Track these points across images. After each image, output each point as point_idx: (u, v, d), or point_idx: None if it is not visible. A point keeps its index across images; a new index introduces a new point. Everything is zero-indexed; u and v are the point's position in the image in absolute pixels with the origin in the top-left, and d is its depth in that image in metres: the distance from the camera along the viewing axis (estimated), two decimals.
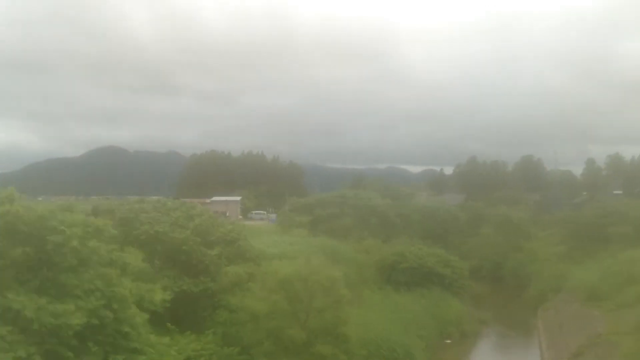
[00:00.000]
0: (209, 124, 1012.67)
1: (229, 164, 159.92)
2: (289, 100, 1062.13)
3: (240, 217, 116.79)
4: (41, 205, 20.02)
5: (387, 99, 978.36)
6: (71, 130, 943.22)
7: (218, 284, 26.98)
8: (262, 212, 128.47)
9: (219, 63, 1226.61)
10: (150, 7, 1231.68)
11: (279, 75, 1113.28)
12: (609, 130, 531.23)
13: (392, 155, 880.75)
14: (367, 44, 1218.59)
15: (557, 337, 34.82)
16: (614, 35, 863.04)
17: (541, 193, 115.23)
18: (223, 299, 26.74)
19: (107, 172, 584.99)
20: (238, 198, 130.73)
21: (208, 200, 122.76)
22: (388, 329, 30.82)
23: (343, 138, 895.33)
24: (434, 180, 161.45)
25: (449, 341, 38.84)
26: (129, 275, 20.18)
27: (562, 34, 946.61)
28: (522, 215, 74.86)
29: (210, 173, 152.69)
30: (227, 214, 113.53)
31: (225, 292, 26.72)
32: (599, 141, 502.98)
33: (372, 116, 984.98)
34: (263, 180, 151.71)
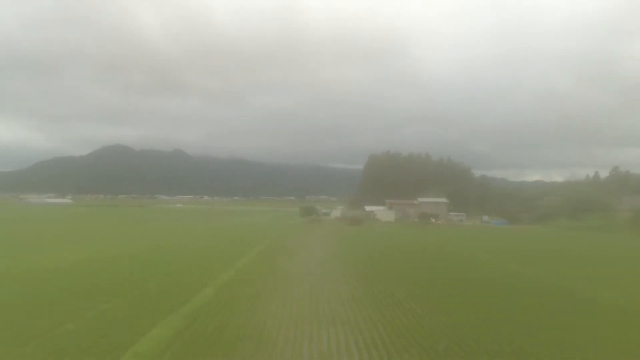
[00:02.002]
0: (214, 124, 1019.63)
1: (400, 165, 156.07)
2: (294, 101, 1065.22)
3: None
4: None
5: (393, 100, 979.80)
6: (78, 129, 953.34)
7: None
8: (462, 214, 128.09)
9: (226, 63, 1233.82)
10: (160, 9, 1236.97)
11: (286, 75, 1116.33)
12: (614, 132, 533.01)
13: None
14: (375, 45, 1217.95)
15: None
16: (619, 39, 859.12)
17: None
18: None
19: (114, 170, 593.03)
20: (444, 200, 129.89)
21: (415, 202, 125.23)
22: None
23: (347, 138, 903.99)
24: None
25: None
26: None
27: (567, 38, 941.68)
28: None
29: (387, 173, 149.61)
30: (434, 217, 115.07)
31: None
32: (603, 144, 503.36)
33: (377, 117, 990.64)
34: (430, 180, 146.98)
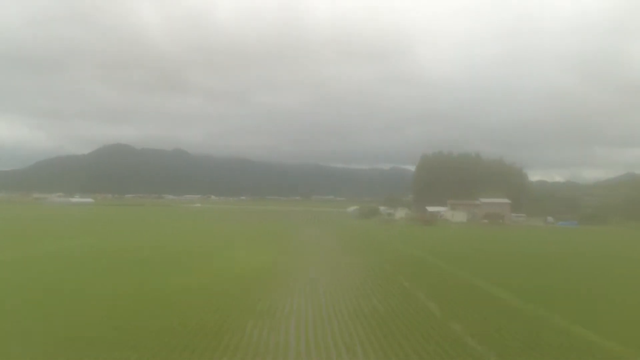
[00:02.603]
0: (215, 123, 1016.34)
1: (452, 165, 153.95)
2: (295, 100, 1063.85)
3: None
4: None
5: (395, 100, 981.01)
6: (80, 128, 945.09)
7: None
8: (521, 214, 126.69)
9: (228, 62, 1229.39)
10: (163, 7, 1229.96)
11: (288, 75, 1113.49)
12: (616, 132, 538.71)
13: (396, 156, 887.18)
14: (378, 44, 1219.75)
15: None
16: (621, 38, 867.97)
17: None
18: None
19: (115, 169, 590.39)
20: (507, 200, 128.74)
21: (477, 202, 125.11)
22: None
23: (348, 138, 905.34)
24: None
25: None
26: None
27: (570, 38, 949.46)
28: None
29: (440, 174, 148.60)
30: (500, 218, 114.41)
31: None
32: (605, 143, 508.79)
33: (378, 117, 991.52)
34: (482, 181, 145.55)
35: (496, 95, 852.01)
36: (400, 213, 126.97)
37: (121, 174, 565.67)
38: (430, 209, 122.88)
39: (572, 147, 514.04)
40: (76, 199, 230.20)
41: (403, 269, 35.34)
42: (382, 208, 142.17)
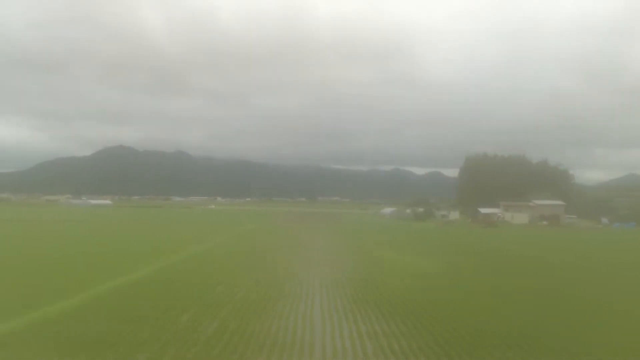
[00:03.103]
0: (216, 125, 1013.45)
1: (498, 167, 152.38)
2: (297, 102, 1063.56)
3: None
4: None
5: (396, 102, 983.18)
6: (81, 130, 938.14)
7: None
8: (572, 216, 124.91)
9: (230, 64, 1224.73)
10: (165, 9, 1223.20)
11: (290, 76, 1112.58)
12: (617, 134, 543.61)
13: (397, 157, 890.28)
14: (380, 46, 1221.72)
15: None
16: (623, 40, 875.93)
17: None
18: None
19: (116, 171, 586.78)
20: (560, 202, 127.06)
21: (531, 204, 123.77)
22: None
23: (349, 140, 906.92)
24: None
25: None
26: None
27: (571, 39, 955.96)
28: None
29: (485, 176, 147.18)
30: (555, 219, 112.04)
31: None
32: (606, 144, 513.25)
33: (379, 119, 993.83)
34: (528, 183, 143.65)
35: (497, 97, 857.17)
36: (455, 215, 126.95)
37: (123, 176, 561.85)
38: (483, 210, 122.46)
39: (573, 149, 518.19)
40: (96, 201, 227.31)
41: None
42: (419, 209, 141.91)
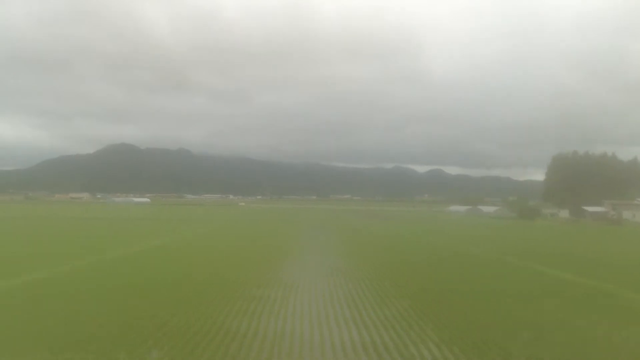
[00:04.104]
0: (219, 122, 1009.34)
1: (589, 166, 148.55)
2: (299, 99, 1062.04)
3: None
4: None
5: (398, 100, 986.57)
6: (84, 128, 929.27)
7: None
8: None
9: (232, 61, 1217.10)
10: (167, 6, 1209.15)
11: (292, 74, 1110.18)
12: (619, 130, 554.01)
13: (399, 155, 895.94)
14: (382, 44, 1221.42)
15: None
16: (626, 37, 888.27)
17: None
18: None
19: (119, 168, 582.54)
20: None
21: (637, 202, 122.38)
22: None
23: (351, 137, 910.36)
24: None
25: None
26: None
27: (575, 36, 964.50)
28: None
29: (576, 175, 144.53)
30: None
31: None
32: (609, 142, 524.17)
33: (380, 117, 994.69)
34: (621, 181, 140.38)
35: (500, 94, 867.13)
36: (564, 213, 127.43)
37: (125, 174, 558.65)
38: (591, 209, 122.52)
39: (576, 146, 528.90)
40: (138, 199, 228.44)
41: None
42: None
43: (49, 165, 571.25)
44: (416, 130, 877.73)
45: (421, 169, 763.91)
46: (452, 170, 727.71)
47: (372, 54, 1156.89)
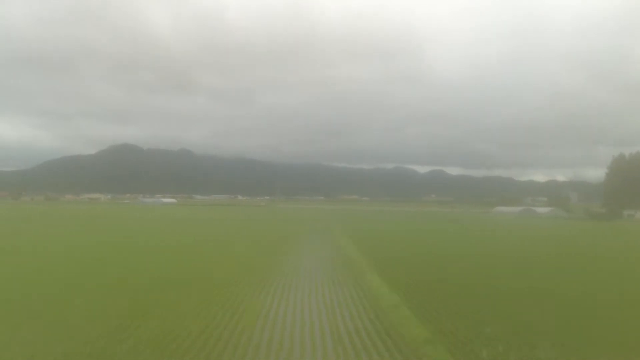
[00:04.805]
0: (221, 123, 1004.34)
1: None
2: (300, 100, 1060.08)
3: None
4: None
5: (399, 100, 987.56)
6: (86, 128, 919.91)
7: None
8: None
9: (234, 62, 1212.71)
10: (171, 7, 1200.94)
11: (294, 74, 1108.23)
12: (619, 131, 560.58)
13: (399, 156, 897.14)
14: (384, 44, 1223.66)
15: None
16: (627, 38, 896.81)
17: None
18: None
19: (121, 169, 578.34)
20: None
21: None
22: None
23: (352, 138, 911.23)
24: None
25: None
26: None
27: (576, 37, 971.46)
28: None
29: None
30: None
31: None
32: (609, 142, 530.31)
33: (381, 117, 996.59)
34: None
35: (501, 95, 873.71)
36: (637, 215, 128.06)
37: (127, 174, 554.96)
38: None
39: (576, 147, 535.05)
40: (167, 199, 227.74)
41: None
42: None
43: (50, 166, 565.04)
44: (417, 131, 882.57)
45: (422, 169, 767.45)
46: (453, 170, 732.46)
47: (373, 54, 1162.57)
